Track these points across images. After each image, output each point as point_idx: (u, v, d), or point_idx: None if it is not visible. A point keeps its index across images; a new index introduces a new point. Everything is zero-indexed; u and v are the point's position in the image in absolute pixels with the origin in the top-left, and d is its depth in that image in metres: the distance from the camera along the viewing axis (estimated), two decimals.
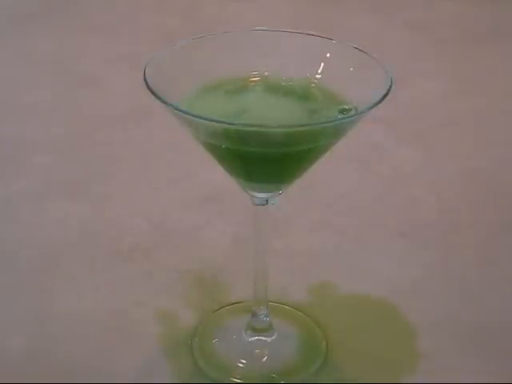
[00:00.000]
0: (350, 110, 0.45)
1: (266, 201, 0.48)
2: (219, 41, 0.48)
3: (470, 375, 0.51)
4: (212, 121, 0.41)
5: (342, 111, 0.45)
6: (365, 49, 0.46)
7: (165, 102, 0.41)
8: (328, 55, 0.47)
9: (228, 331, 0.55)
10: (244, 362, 0.52)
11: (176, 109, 0.42)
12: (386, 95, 0.42)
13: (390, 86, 0.42)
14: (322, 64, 0.47)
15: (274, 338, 0.53)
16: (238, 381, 0.51)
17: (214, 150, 0.45)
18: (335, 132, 0.43)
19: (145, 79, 0.42)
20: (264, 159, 0.44)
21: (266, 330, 0.53)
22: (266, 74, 0.48)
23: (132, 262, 0.61)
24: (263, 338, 0.53)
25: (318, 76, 0.47)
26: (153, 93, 0.42)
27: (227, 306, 0.57)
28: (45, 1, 1.15)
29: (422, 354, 0.53)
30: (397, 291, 0.58)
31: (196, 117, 0.41)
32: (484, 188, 0.72)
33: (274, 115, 0.45)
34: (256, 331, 0.53)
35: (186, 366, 0.52)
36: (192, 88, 0.46)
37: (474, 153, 0.78)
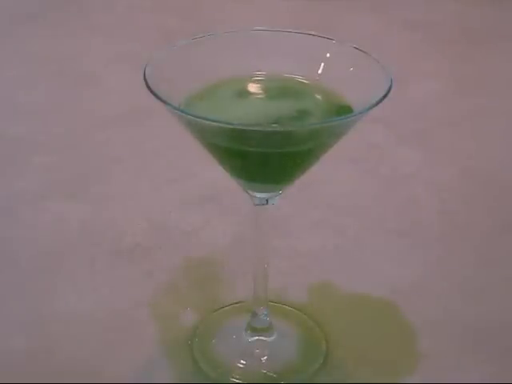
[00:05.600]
0: (350, 109, 0.45)
1: (266, 201, 0.48)
2: (219, 41, 0.48)
3: (470, 375, 0.51)
4: (211, 121, 0.41)
5: (341, 111, 0.45)
6: (365, 49, 0.46)
7: (165, 102, 0.41)
8: (328, 55, 0.47)
9: (228, 331, 0.55)
10: (244, 362, 0.52)
11: (176, 109, 0.42)
12: (385, 95, 0.42)
13: (390, 86, 0.42)
14: (322, 64, 0.47)
15: (273, 338, 0.53)
16: (238, 381, 0.51)
17: (213, 149, 0.45)
18: (335, 132, 0.43)
19: (145, 79, 0.42)
20: (264, 159, 0.44)
21: (266, 330, 0.53)
22: (265, 73, 0.48)
23: (132, 262, 0.61)
24: (263, 338, 0.53)
25: (317, 76, 0.47)
26: (153, 93, 0.42)
27: (227, 306, 0.57)
28: (44, 1, 1.15)
29: (422, 353, 0.53)
30: (397, 291, 0.58)
31: (195, 117, 0.41)
32: (484, 188, 0.72)
33: (273, 115, 0.45)
34: (256, 331, 0.53)
35: (186, 366, 0.52)
36: (192, 88, 0.46)
37: (473, 153, 0.78)
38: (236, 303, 0.57)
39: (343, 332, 0.55)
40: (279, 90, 0.47)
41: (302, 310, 0.56)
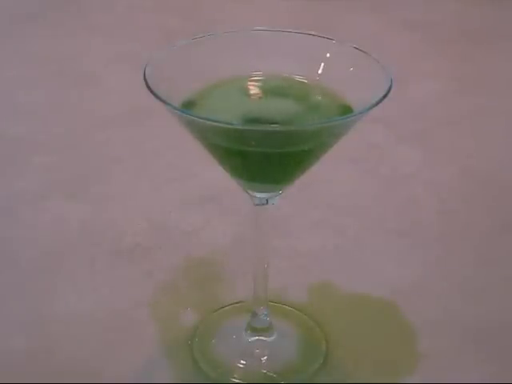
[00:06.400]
0: (350, 109, 0.45)
1: (266, 201, 0.48)
2: (219, 41, 0.48)
3: (470, 375, 0.51)
4: (211, 121, 0.41)
5: (341, 111, 0.45)
6: (365, 49, 0.46)
7: (165, 102, 0.41)
8: (328, 55, 0.47)
9: (228, 331, 0.55)
10: (244, 362, 0.52)
11: (176, 109, 0.42)
12: (385, 95, 0.42)
13: (390, 86, 0.42)
14: (322, 64, 0.47)
15: (273, 338, 0.53)
16: (238, 381, 0.51)
17: (214, 149, 0.45)
18: (335, 132, 0.43)
19: (145, 79, 0.42)
20: (264, 159, 0.44)
21: (266, 330, 0.53)
22: (265, 73, 0.48)
23: (132, 262, 0.61)
24: (263, 338, 0.53)
25: (317, 76, 0.47)
26: (153, 93, 0.42)
27: (227, 306, 0.57)
28: (44, 1, 1.15)
29: (422, 354, 0.53)
30: (397, 291, 0.58)
31: (195, 117, 0.42)
32: (484, 188, 0.72)
33: (273, 115, 0.45)
34: (256, 331, 0.53)
35: (185, 366, 0.52)
36: (192, 88, 0.46)
37: (473, 153, 0.78)
38: (236, 303, 0.57)
39: (343, 332, 0.55)
40: (279, 90, 0.47)
41: (302, 310, 0.56)
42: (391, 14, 1.12)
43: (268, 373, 0.52)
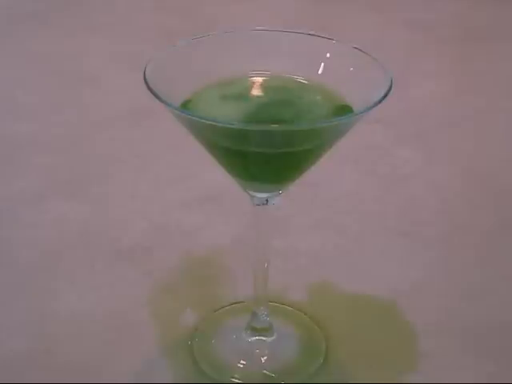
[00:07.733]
0: (350, 109, 0.45)
1: (266, 201, 0.48)
2: (219, 41, 0.48)
3: (470, 375, 0.51)
4: (211, 121, 0.41)
5: (341, 111, 0.45)
6: (365, 49, 0.46)
7: (165, 102, 0.41)
8: (328, 55, 0.47)
9: (228, 331, 0.55)
10: (244, 362, 0.52)
11: (176, 109, 0.42)
12: (385, 95, 0.42)
13: (390, 87, 0.42)
14: (322, 64, 0.47)
15: (273, 338, 0.53)
16: (238, 381, 0.51)
17: (214, 149, 0.45)
18: (335, 132, 0.43)
19: (145, 79, 0.42)
20: (264, 159, 0.44)
21: (266, 329, 0.53)
22: (265, 73, 0.48)
23: (132, 262, 0.61)
24: (263, 338, 0.53)
25: (317, 76, 0.47)
26: (153, 93, 0.42)
27: (227, 306, 0.57)
28: (45, 1, 1.15)
29: (422, 353, 0.53)
30: (397, 291, 0.58)
31: (195, 117, 0.41)
32: (484, 188, 0.72)
33: (273, 115, 0.45)
34: (256, 331, 0.53)
35: (185, 366, 0.52)
36: (192, 88, 0.46)
37: (474, 153, 0.78)
38: (236, 303, 0.57)
39: (343, 332, 0.55)
40: (279, 89, 0.47)
41: (301, 309, 0.56)
42: (391, 14, 1.12)
43: (268, 373, 0.52)
